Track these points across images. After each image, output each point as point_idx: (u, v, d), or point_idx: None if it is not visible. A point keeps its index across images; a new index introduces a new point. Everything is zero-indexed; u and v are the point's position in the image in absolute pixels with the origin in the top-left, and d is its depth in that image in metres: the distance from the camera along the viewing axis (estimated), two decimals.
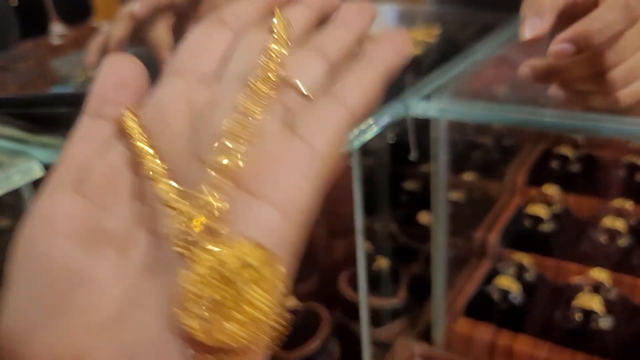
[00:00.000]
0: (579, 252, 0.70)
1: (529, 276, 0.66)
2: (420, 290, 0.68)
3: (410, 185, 0.83)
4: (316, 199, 0.22)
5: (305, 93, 0.24)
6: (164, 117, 0.24)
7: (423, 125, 0.56)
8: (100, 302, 0.20)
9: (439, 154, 0.58)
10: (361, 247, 0.53)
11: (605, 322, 0.59)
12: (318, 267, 0.74)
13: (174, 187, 0.21)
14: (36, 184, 0.41)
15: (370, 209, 0.69)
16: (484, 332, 0.61)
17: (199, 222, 0.20)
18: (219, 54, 0.25)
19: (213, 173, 0.21)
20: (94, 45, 0.60)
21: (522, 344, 0.59)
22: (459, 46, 0.67)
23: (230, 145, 0.21)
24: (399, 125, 0.54)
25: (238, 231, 0.20)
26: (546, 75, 0.48)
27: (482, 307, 0.64)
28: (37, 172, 0.40)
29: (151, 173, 0.22)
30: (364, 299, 0.55)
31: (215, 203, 0.20)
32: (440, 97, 0.53)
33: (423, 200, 0.78)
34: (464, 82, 0.59)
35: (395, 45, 0.26)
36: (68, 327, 0.19)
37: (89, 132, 0.24)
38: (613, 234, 0.70)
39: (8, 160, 0.41)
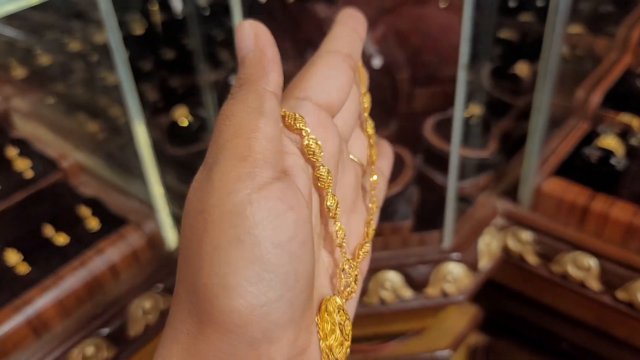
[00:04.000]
0: None
1: (635, 140, 0.60)
2: (511, 145, 0.64)
3: (506, 34, 0.75)
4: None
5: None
6: (335, 165, 0.25)
7: None
8: (312, 305, 0.24)
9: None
10: (462, 85, 0.47)
11: None
12: (399, 113, 0.69)
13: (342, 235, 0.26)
14: None
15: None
16: (577, 195, 0.57)
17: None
18: (345, 98, 0.26)
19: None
20: None
21: (621, 210, 0.55)
22: None
23: None
24: None
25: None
26: None
27: (578, 169, 0.59)
28: None
29: (332, 213, 0.25)
30: (456, 147, 0.51)
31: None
32: None
33: (520, 51, 0.71)
34: None
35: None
36: (304, 326, 0.22)
37: (278, 117, 0.24)
38: None
39: None
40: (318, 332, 0.23)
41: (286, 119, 0.24)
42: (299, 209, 0.22)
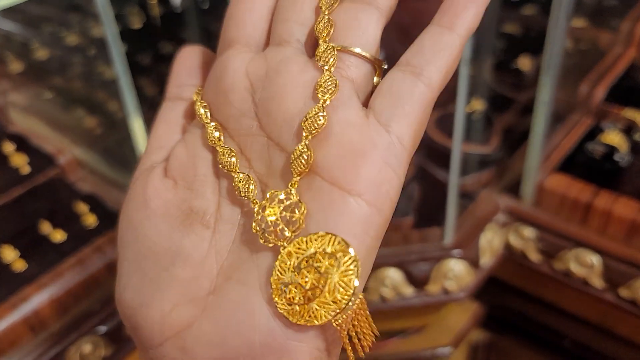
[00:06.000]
0: None
1: (639, 136, 0.60)
2: (513, 141, 0.63)
3: (509, 28, 0.74)
4: (401, 186, 0.22)
5: (371, 60, 0.23)
6: (226, 95, 0.24)
7: None
8: (198, 276, 0.22)
9: None
10: (464, 79, 0.47)
11: None
12: None
13: (249, 177, 0.22)
14: None
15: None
16: (580, 191, 0.57)
17: (277, 213, 0.21)
18: (265, 14, 0.25)
19: (296, 165, 0.21)
20: None
21: (624, 207, 0.54)
22: None
23: (308, 133, 0.22)
24: None
25: (329, 225, 0.21)
26: None
27: (581, 165, 0.59)
28: None
29: (225, 165, 0.23)
30: (458, 143, 0.51)
31: (296, 198, 0.21)
32: None
33: (523, 45, 0.71)
34: None
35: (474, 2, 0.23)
36: (174, 300, 0.22)
37: (168, 115, 0.26)
38: None
39: None
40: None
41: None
42: (139, 195, 0.24)
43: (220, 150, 0.23)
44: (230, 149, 0.23)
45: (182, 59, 0.27)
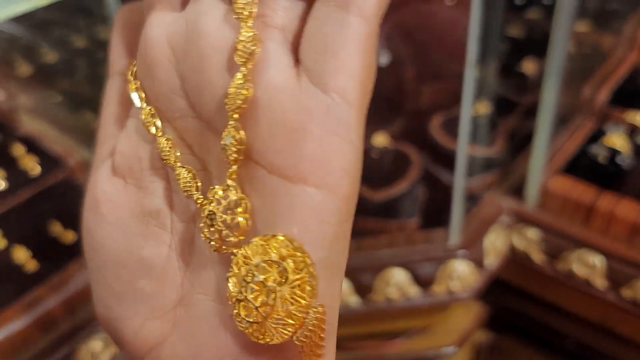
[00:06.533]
0: None
1: None
2: (517, 143, 0.64)
3: (514, 31, 0.75)
4: (358, 152, 0.18)
5: None
6: (152, 71, 0.20)
7: None
8: (163, 288, 0.20)
9: None
10: (470, 82, 0.47)
11: None
12: (404, 111, 0.69)
13: (191, 173, 0.19)
14: None
15: None
16: (583, 193, 0.57)
17: (221, 216, 0.18)
18: None
19: (229, 153, 0.18)
20: None
21: (627, 208, 0.55)
22: None
23: (233, 111, 0.18)
24: None
25: (276, 222, 0.18)
26: None
27: (584, 167, 0.59)
28: None
29: (165, 159, 0.20)
30: (463, 145, 0.51)
31: (238, 195, 0.18)
32: None
33: (527, 48, 0.71)
34: None
35: None
36: (143, 316, 0.20)
37: (112, 95, 0.22)
38: None
39: None
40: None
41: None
42: (91, 198, 0.22)
43: (158, 140, 0.20)
44: (167, 139, 0.20)
45: (120, 23, 0.22)
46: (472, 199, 0.61)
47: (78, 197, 0.60)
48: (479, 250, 0.58)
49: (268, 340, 0.17)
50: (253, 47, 0.17)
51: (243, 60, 0.17)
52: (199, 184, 0.19)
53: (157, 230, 0.20)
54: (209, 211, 0.18)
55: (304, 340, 0.17)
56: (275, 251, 0.17)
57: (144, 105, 0.20)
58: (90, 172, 0.22)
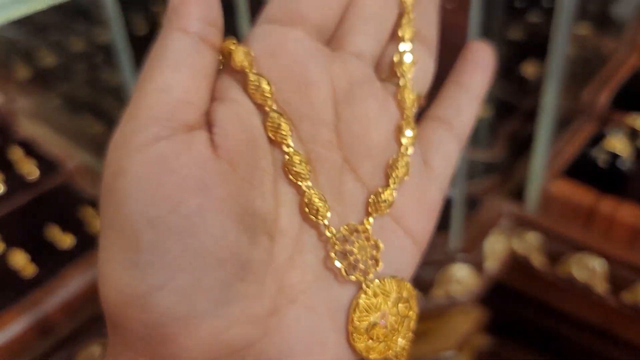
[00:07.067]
0: None
1: None
2: (518, 147, 0.63)
3: (514, 34, 0.75)
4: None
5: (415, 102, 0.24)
6: (307, 91, 0.21)
7: None
8: (261, 294, 0.19)
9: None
10: None
11: None
12: None
13: (323, 201, 0.20)
14: None
15: None
16: (584, 196, 0.57)
17: (361, 249, 0.21)
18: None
19: (378, 207, 0.22)
20: None
21: (628, 212, 0.55)
22: None
23: (394, 181, 0.22)
24: None
25: (394, 266, 0.22)
26: None
27: (584, 170, 0.59)
28: None
29: (294, 172, 0.20)
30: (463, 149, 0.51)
31: (372, 235, 0.21)
32: None
33: (527, 51, 0.71)
34: None
35: (484, 65, 0.27)
36: (234, 317, 0.18)
37: (193, 60, 0.19)
38: None
39: None
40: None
41: (225, 52, 0.20)
42: (188, 170, 0.18)
43: (288, 151, 0.20)
44: (300, 156, 0.20)
45: None
46: (472, 202, 0.61)
47: (76, 201, 0.60)
48: (479, 254, 0.57)
49: (381, 355, 0.21)
50: (411, 136, 0.23)
51: (405, 142, 0.22)
52: (324, 207, 0.20)
53: (264, 236, 0.19)
54: (347, 241, 0.21)
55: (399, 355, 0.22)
56: (407, 291, 0.22)
57: (274, 107, 0.20)
58: (141, 135, 0.18)
